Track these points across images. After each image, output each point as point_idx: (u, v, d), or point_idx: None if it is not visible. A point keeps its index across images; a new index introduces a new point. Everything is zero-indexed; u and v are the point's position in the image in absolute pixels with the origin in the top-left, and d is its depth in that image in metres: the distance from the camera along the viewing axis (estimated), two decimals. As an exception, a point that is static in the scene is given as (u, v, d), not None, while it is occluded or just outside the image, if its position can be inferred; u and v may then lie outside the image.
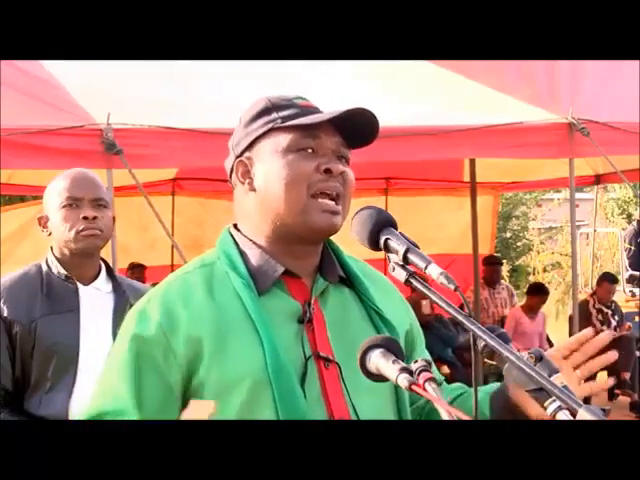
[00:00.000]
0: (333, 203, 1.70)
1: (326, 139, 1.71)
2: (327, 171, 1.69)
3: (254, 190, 1.73)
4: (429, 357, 1.83)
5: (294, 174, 1.69)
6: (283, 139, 1.71)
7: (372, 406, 1.72)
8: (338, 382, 1.70)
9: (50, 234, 2.94)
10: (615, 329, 8.92)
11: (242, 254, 1.74)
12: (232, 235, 1.78)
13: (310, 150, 1.70)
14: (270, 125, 1.72)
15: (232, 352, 1.64)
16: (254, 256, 1.73)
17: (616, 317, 9.07)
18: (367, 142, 1.75)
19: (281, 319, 1.69)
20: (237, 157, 1.76)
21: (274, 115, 1.73)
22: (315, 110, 1.74)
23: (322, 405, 1.67)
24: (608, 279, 9.27)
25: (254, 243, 1.74)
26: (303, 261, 1.75)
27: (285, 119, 1.71)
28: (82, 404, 2.85)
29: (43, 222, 2.95)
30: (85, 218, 2.87)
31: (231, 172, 1.78)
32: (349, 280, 1.80)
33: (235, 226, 1.81)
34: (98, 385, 1.73)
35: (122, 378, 1.66)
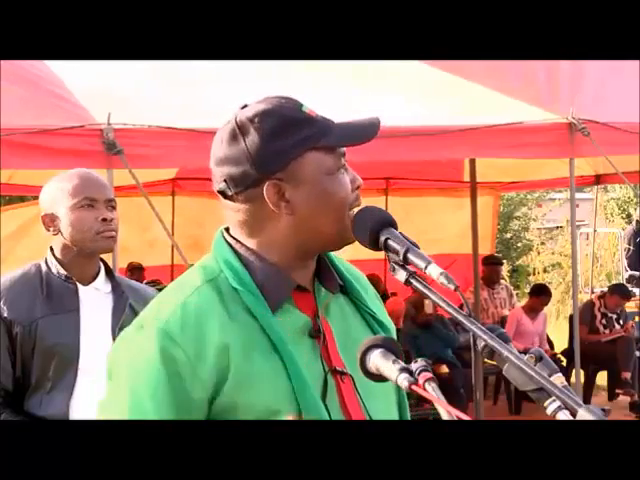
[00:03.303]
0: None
1: (345, 152, 1.70)
2: (358, 188, 1.69)
3: (292, 214, 1.66)
4: None
5: (342, 197, 1.66)
6: (324, 160, 1.66)
7: (383, 411, 1.72)
8: (354, 394, 1.68)
9: (57, 234, 2.92)
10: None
11: (246, 266, 1.67)
12: (229, 243, 1.71)
13: (343, 167, 1.68)
14: (306, 145, 1.65)
15: (258, 380, 1.60)
16: (261, 269, 1.67)
17: (621, 321, 9.02)
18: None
19: (295, 335, 1.66)
20: (265, 177, 1.65)
21: (303, 133, 1.65)
22: (324, 120, 1.69)
23: (344, 419, 1.66)
24: (621, 293, 9.13)
25: (257, 255, 1.68)
26: (304, 270, 1.71)
27: (318, 137, 1.65)
28: (83, 404, 2.86)
29: (48, 221, 2.92)
30: (104, 220, 2.87)
31: (246, 188, 1.66)
32: (343, 286, 1.78)
33: (227, 230, 1.74)
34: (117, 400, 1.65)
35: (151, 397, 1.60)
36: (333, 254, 1.79)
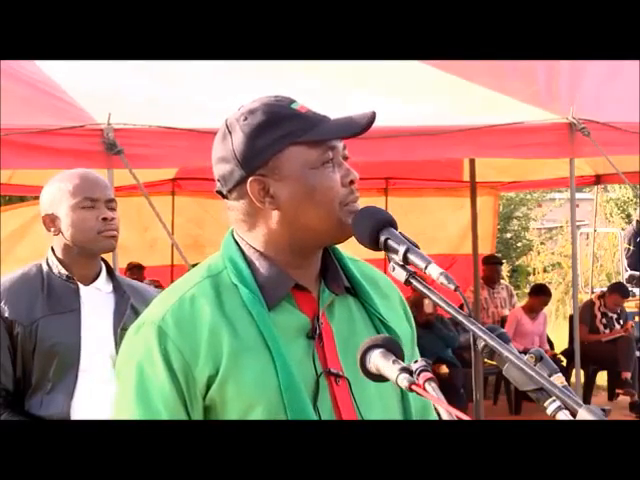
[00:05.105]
0: (357, 205, 1.69)
1: (337, 145, 1.69)
2: (351, 183, 1.68)
3: (277, 209, 1.67)
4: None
5: (327, 192, 1.66)
6: (306, 154, 1.66)
7: (379, 418, 1.70)
8: (349, 398, 1.68)
9: (57, 234, 2.91)
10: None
11: (249, 264, 1.69)
12: (237, 241, 1.73)
13: (331, 161, 1.67)
14: (287, 140, 1.66)
15: (246, 373, 1.61)
16: (263, 268, 1.69)
17: (621, 321, 9.01)
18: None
19: (291, 334, 1.67)
20: (249, 174, 1.67)
21: (285, 128, 1.66)
22: (314, 115, 1.70)
23: None
24: (620, 292, 9.11)
25: (261, 254, 1.70)
26: (307, 270, 1.72)
27: (301, 132, 1.66)
28: (83, 404, 2.86)
29: (49, 222, 2.92)
30: (105, 219, 2.87)
31: (235, 186, 1.68)
32: (353, 288, 1.77)
33: None
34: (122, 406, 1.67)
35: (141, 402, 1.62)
36: (347, 254, 1.79)
